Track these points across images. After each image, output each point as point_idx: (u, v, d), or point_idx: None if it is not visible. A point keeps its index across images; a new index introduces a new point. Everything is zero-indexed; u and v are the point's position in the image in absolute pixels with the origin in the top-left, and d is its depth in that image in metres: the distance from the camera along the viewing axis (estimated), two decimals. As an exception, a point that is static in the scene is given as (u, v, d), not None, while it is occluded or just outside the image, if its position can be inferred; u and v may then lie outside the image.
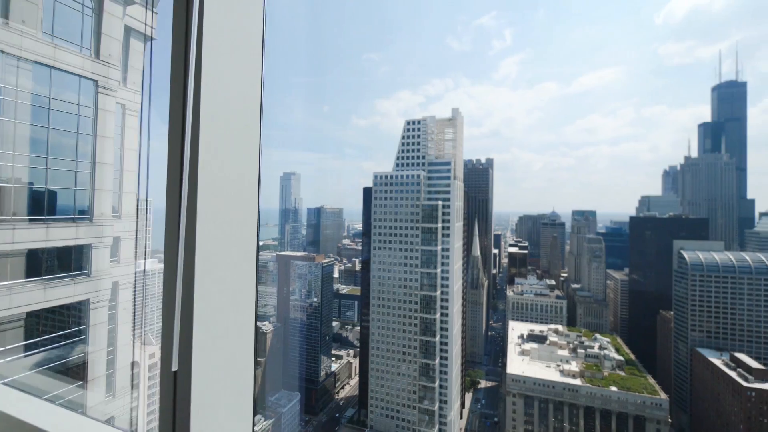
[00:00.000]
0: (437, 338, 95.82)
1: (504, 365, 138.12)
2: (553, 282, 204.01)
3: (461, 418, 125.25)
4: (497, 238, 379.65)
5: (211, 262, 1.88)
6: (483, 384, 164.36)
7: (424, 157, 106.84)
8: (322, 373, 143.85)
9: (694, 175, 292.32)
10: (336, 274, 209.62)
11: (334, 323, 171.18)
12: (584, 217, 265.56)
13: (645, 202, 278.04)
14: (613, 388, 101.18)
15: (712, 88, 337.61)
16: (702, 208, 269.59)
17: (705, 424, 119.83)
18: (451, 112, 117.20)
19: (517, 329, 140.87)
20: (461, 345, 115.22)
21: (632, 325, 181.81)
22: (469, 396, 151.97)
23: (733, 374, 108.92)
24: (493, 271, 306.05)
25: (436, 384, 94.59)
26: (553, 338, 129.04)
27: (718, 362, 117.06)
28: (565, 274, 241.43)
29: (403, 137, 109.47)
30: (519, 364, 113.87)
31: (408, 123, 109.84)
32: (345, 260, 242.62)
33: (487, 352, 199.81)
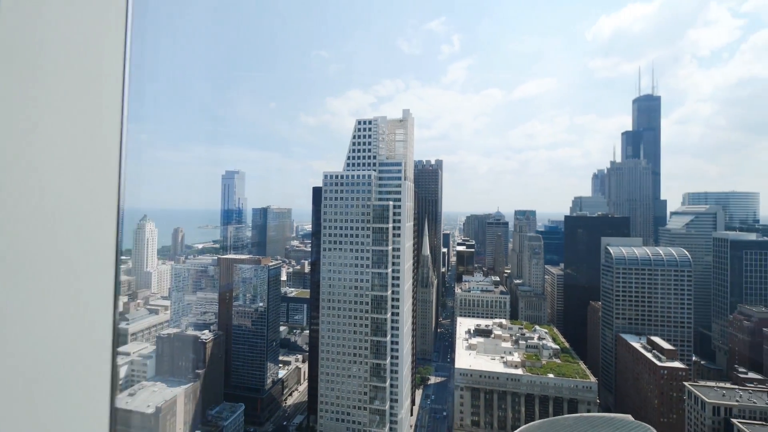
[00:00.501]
0: (388, 338, 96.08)
1: (453, 360, 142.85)
2: (497, 278, 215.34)
3: (412, 415, 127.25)
4: (446, 237, 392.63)
5: (21, 271, 1.45)
6: (433, 380, 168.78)
7: (375, 158, 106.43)
8: (269, 381, 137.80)
9: (618, 178, 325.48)
10: (284, 277, 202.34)
11: (282, 328, 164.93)
12: (525, 217, 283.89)
13: (578, 202, 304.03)
14: (551, 375, 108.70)
15: (633, 101, 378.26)
16: (624, 208, 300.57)
17: (627, 401, 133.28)
18: (402, 114, 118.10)
19: (464, 325, 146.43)
20: (412, 343, 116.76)
21: (567, 315, 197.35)
22: (419, 393, 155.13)
23: (649, 356, 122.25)
24: (443, 270, 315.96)
25: (387, 383, 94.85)
26: (497, 332, 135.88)
27: (637, 346, 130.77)
28: (508, 271, 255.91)
29: (354, 137, 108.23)
30: (466, 358, 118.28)
31: (359, 123, 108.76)
32: (293, 262, 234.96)
33: (436, 349, 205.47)
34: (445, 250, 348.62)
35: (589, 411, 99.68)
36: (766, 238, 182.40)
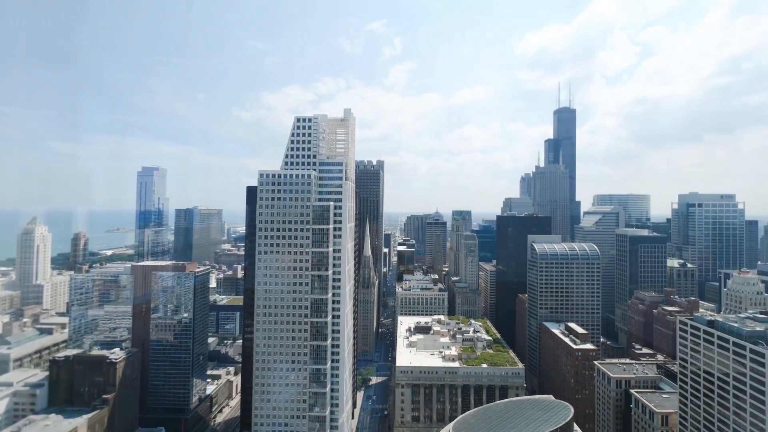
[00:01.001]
0: (329, 341, 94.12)
1: (393, 359, 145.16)
2: (436, 276, 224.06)
3: (353, 418, 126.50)
4: (387, 237, 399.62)
5: None
6: (374, 380, 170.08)
7: (315, 157, 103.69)
8: (195, 399, 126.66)
9: (542, 181, 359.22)
10: (213, 284, 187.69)
11: (212, 339, 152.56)
12: (462, 217, 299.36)
13: (508, 203, 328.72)
14: (484, 365, 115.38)
15: (554, 112, 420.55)
16: (547, 208, 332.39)
17: (548, 382, 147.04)
18: (344, 113, 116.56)
19: (405, 323, 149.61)
20: (353, 345, 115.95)
21: (498, 308, 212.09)
22: (361, 394, 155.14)
23: (566, 340, 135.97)
24: (384, 270, 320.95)
25: (328, 388, 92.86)
26: (436, 328, 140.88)
27: (557, 332, 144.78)
28: (446, 269, 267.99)
29: (293, 135, 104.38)
30: (407, 355, 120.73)
31: (298, 120, 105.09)
32: (224, 267, 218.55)
33: (378, 349, 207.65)
34: (386, 250, 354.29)
35: (517, 395, 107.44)
36: (655, 234, 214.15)
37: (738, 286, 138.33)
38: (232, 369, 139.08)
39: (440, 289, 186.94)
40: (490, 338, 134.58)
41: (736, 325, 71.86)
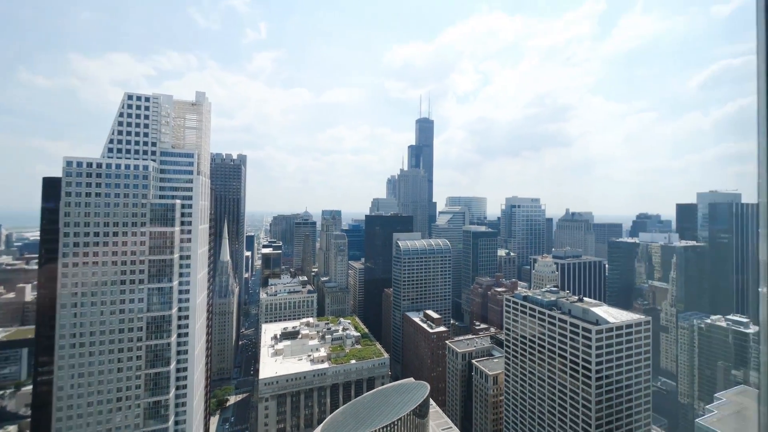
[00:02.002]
0: (172, 366, 79.30)
1: (256, 371, 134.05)
2: (305, 278, 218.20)
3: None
4: (250, 239, 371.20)
5: None
6: (233, 399, 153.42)
7: (155, 145, 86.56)
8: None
9: (405, 183, 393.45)
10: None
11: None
12: (332, 217, 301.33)
13: (376, 203, 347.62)
14: (353, 361, 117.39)
15: (416, 120, 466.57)
16: (410, 208, 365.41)
17: (410, 366, 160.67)
18: (196, 96, 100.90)
19: (270, 331, 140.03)
20: (206, 365, 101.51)
21: (366, 304, 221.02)
22: (215, 420, 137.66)
23: (424, 325, 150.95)
24: (246, 275, 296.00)
25: (171, 422, 77.98)
26: (305, 331, 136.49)
27: (417, 319, 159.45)
28: (316, 269, 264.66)
29: (122, 115, 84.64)
30: (272, 365, 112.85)
31: (130, 98, 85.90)
32: (1, 288, 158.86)
33: (237, 364, 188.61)
34: (248, 253, 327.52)
35: (383, 384, 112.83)
36: (490, 230, 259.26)
37: (541, 268, 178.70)
38: (13, 428, 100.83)
39: (309, 291, 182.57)
40: (358, 334, 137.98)
41: (539, 297, 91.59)
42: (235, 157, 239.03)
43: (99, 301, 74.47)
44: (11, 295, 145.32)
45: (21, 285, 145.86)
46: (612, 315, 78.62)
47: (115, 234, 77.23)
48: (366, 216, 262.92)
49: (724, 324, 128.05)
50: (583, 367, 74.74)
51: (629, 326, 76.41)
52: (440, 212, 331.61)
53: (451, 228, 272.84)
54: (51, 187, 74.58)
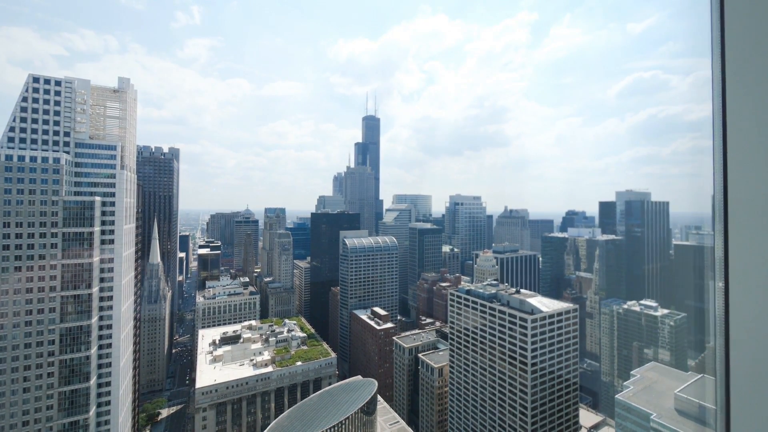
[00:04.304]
0: (92, 381, 70.98)
1: (192, 380, 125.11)
2: (247, 279, 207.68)
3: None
4: (184, 239, 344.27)
5: None
6: (165, 412, 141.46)
7: (68, 135, 76.94)
8: None
9: (352, 181, 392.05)
10: None
11: None
12: (275, 215, 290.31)
13: (322, 200, 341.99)
14: (299, 363, 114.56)
15: (362, 118, 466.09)
16: (356, 206, 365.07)
17: (358, 363, 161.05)
18: (118, 82, 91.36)
19: (208, 336, 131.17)
20: (133, 378, 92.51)
21: (313, 304, 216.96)
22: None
23: (372, 323, 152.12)
24: (180, 278, 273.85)
25: (91, 443, 70.06)
26: (246, 335, 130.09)
27: (364, 317, 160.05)
28: (258, 270, 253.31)
29: (26, 99, 74.01)
30: (210, 373, 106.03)
31: (36, 80, 75.41)
32: None
33: (171, 374, 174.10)
34: (182, 254, 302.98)
35: (330, 384, 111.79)
36: (435, 227, 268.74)
37: (482, 262, 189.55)
38: None
39: (251, 293, 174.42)
40: (304, 335, 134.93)
41: (481, 290, 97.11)
42: (166, 150, 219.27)
43: (0, 313, 64.27)
44: None
45: None
46: (545, 304, 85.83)
47: (19, 236, 67.22)
48: (312, 214, 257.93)
49: (637, 309, 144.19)
50: (521, 355, 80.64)
51: (560, 314, 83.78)
52: (387, 210, 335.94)
53: (397, 225, 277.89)
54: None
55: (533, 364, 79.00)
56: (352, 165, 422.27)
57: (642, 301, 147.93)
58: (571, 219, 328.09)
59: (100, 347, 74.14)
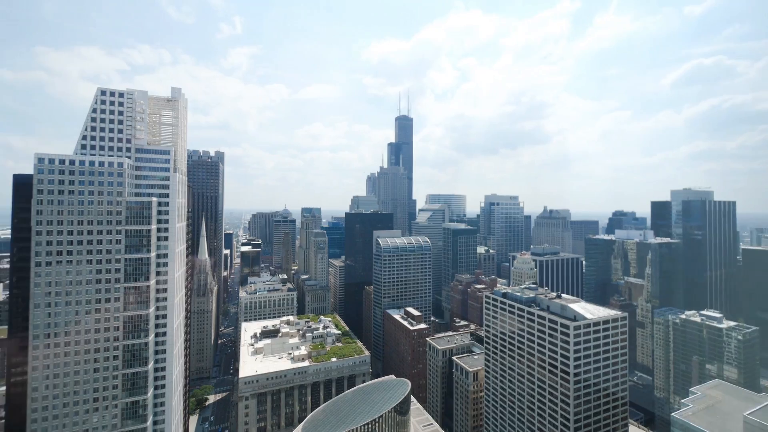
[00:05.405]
0: (150, 365, 77.62)
1: (236, 370, 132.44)
2: (285, 276, 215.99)
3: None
4: (229, 237, 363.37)
5: None
6: (212, 398, 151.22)
7: (129, 141, 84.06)
8: None
9: (385, 181, 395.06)
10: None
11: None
12: (311, 214, 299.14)
13: (356, 200, 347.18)
14: (334, 359, 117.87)
15: (395, 118, 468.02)
16: (389, 206, 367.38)
17: (391, 363, 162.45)
18: (171, 92, 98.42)
19: (250, 329, 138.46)
20: (184, 364, 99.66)
21: (347, 302, 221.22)
22: (194, 419, 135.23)
23: (405, 323, 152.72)
24: (225, 273, 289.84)
25: (149, 422, 76.46)
26: (285, 329, 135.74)
27: (397, 317, 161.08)
28: (295, 267, 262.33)
29: (96, 111, 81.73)
30: (252, 364, 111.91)
31: (104, 93, 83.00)
32: None
33: (217, 363, 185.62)
34: (227, 251, 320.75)
35: (364, 381, 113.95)
36: (469, 227, 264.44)
37: (519, 265, 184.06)
38: None
39: (289, 289, 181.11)
40: (339, 332, 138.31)
41: (518, 294, 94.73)
42: (212, 154, 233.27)
43: (74, 301, 72.07)
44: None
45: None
46: (589, 311, 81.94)
47: (90, 233, 74.72)
48: (346, 214, 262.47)
49: (698, 319, 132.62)
50: (562, 363, 77.52)
51: (606, 322, 79.38)
52: (420, 210, 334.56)
53: (431, 225, 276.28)
54: (22, 185, 71.29)
55: (576, 374, 75.69)
56: (385, 165, 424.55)
57: (703, 312, 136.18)
58: (619, 220, 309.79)
59: (157, 335, 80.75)
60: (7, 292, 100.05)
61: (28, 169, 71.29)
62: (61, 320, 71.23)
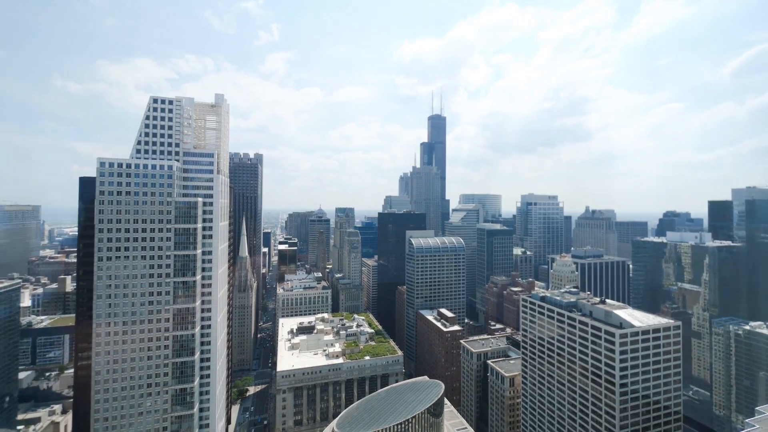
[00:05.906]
0: (196, 356, 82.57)
1: (274, 364, 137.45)
2: (320, 274, 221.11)
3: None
4: (267, 236, 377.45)
5: None
6: (252, 390, 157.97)
7: (178, 145, 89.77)
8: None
9: (418, 181, 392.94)
10: (26, 302, 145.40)
11: (26, 373, 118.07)
12: (345, 214, 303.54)
13: (388, 200, 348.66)
14: (367, 357, 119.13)
15: (428, 117, 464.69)
16: (422, 205, 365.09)
17: (424, 364, 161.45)
18: (215, 98, 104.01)
19: (287, 325, 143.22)
20: (227, 356, 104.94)
21: (380, 301, 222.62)
22: (236, 408, 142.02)
23: (438, 324, 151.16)
24: (263, 271, 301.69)
25: (196, 409, 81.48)
26: (320, 326, 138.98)
27: (430, 317, 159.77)
28: (330, 266, 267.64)
29: (148, 118, 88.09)
30: (289, 359, 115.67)
31: (155, 101, 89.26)
32: (45, 279, 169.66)
33: (256, 356, 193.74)
34: (265, 249, 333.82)
35: (397, 381, 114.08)
36: (505, 228, 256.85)
37: (559, 267, 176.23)
38: (58, 407, 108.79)
39: (324, 287, 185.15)
40: (372, 331, 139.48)
41: (558, 298, 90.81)
42: (252, 156, 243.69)
43: (130, 293, 78.36)
44: (54, 285, 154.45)
45: (62, 276, 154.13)
46: (637, 318, 77.04)
47: (144, 230, 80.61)
48: (379, 213, 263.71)
49: (765, 331, 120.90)
50: (606, 373, 73.41)
51: (657, 330, 74.30)
52: (454, 210, 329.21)
53: (464, 226, 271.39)
54: (86, 186, 78.49)
55: (622, 385, 71.30)
56: (418, 165, 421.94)
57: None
58: (671, 221, 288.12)
59: (202, 327, 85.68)
60: (75, 284, 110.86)
61: (91, 172, 78.14)
62: (120, 311, 77.63)
